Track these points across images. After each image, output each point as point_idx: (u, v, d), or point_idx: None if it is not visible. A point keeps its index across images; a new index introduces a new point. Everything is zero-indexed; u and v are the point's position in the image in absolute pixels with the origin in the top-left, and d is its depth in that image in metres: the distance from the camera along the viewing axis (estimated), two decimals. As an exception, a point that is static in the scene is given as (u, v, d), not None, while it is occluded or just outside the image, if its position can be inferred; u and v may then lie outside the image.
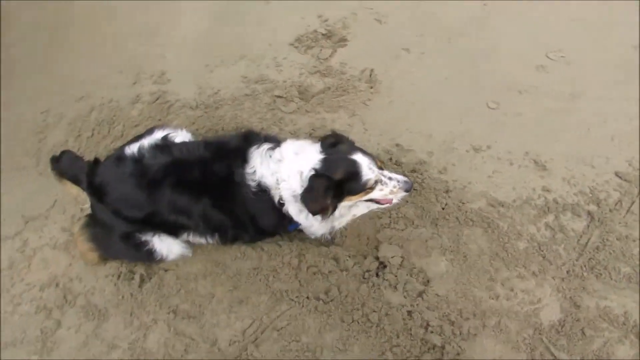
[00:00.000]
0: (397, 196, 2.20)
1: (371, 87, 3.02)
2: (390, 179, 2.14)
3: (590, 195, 2.45)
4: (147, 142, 2.23)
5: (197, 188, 2.12)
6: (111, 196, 2.17)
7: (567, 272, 2.21)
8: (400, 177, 2.17)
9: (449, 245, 2.31)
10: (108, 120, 3.13)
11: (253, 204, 2.13)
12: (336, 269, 2.28)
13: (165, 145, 2.21)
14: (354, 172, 2.04)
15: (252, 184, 2.09)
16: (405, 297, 2.17)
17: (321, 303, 2.20)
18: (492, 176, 2.56)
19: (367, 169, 2.06)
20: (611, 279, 2.17)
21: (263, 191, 2.10)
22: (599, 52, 3.17)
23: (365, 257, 2.30)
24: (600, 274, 2.19)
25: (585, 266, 2.22)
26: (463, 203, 2.45)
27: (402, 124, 2.83)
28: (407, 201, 2.46)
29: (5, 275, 2.53)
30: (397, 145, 2.71)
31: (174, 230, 2.27)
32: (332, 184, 2.01)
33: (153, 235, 2.24)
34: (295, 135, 2.82)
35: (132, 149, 2.21)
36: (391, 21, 3.50)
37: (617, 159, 2.60)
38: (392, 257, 2.24)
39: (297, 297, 2.24)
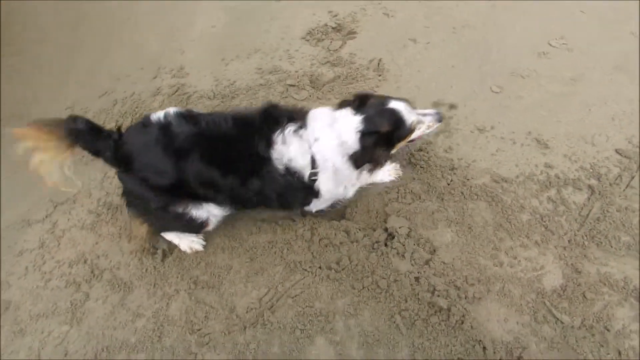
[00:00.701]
0: (433, 128, 2.29)
1: (379, 75, 3.16)
2: (424, 115, 2.23)
3: (591, 170, 2.54)
4: (172, 110, 2.17)
5: (224, 164, 2.09)
6: (138, 164, 2.08)
7: (569, 241, 2.31)
8: (431, 111, 2.26)
9: (454, 217, 2.42)
10: (131, 112, 3.31)
11: (282, 184, 2.12)
12: (347, 241, 2.40)
13: (191, 115, 2.13)
14: (399, 119, 2.11)
15: (280, 167, 2.07)
16: (412, 264, 2.29)
17: (333, 272, 2.32)
18: (496, 154, 2.67)
19: (408, 113, 2.13)
20: (611, 246, 2.26)
21: (292, 173, 2.09)
22: (599, 39, 3.28)
23: (374, 230, 2.42)
24: (601, 243, 2.28)
25: (586, 236, 2.31)
26: (468, 179, 2.56)
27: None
28: (414, 178, 2.58)
29: (37, 254, 2.70)
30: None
31: (202, 199, 2.24)
32: (383, 136, 2.07)
33: (187, 205, 2.20)
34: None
35: (158, 115, 2.12)
36: (399, 15, 3.65)
37: (617, 138, 2.69)
38: (399, 228, 2.35)
39: (310, 267, 2.36)
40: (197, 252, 2.52)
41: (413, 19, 3.58)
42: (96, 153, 2.11)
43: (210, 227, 2.36)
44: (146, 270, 2.52)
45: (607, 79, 3.02)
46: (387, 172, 2.58)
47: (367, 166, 2.18)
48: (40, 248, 2.73)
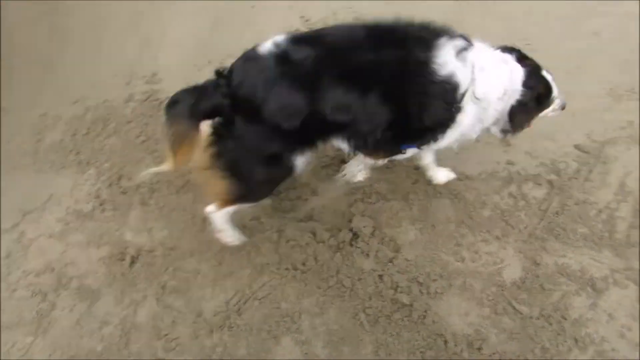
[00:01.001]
0: (556, 113, 2.20)
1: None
2: (556, 97, 2.14)
3: (551, 166, 2.60)
4: (279, 37, 1.84)
5: (366, 79, 1.80)
6: (266, 108, 1.77)
7: (529, 235, 2.36)
8: (560, 96, 2.15)
9: (418, 215, 2.47)
10: (102, 119, 3.31)
11: (431, 91, 1.85)
12: (313, 241, 2.43)
13: (308, 35, 1.89)
14: (550, 87, 2.09)
15: (443, 73, 1.81)
16: (376, 263, 2.32)
17: (299, 272, 2.35)
18: (460, 153, 2.70)
19: (555, 85, 2.10)
20: (569, 238, 2.32)
21: (448, 83, 1.83)
22: (562, 40, 3.36)
23: (340, 230, 2.45)
24: (559, 235, 2.34)
25: (545, 229, 2.37)
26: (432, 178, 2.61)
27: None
28: (379, 178, 2.62)
29: (3, 265, 2.68)
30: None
31: (329, 135, 1.98)
32: (537, 97, 2.04)
33: (298, 152, 1.97)
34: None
35: (266, 46, 1.82)
36: (369, 18, 3.70)
37: (577, 133, 2.75)
38: (364, 227, 2.39)
39: (277, 268, 2.39)
40: (165, 257, 2.52)
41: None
42: (216, 112, 1.84)
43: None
44: (114, 277, 2.52)
45: (568, 78, 3.09)
46: (360, 173, 2.60)
47: (504, 124, 2.06)
48: (7, 258, 2.71)
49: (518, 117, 2.03)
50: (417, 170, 2.64)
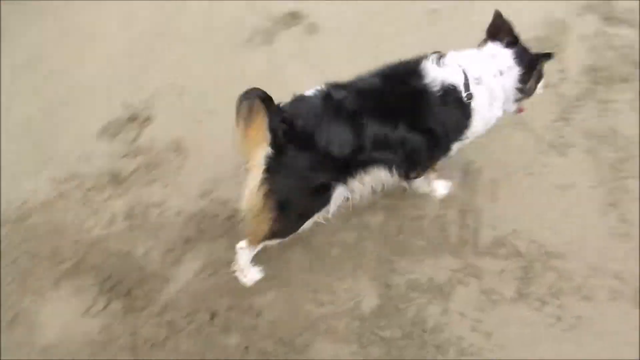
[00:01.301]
0: (540, 90, 2.43)
1: (180, 155, 3.17)
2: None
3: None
4: (318, 86, 2.11)
5: (392, 114, 2.09)
6: (320, 136, 1.98)
7: (377, 261, 2.50)
8: None
9: (272, 273, 2.46)
10: None
11: (443, 108, 2.15)
12: (172, 333, 2.28)
13: (338, 84, 2.12)
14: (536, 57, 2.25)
15: (436, 89, 2.11)
16: (240, 335, 2.25)
17: (162, 373, 2.16)
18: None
19: None
20: (412, 254, 2.50)
21: (450, 91, 2.13)
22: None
23: (197, 312, 2.34)
24: (404, 253, 2.51)
25: (390, 251, 2.52)
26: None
27: (219, 179, 2.97)
28: (228, 246, 2.57)
29: None
30: (212, 200, 2.85)
31: (372, 165, 2.18)
32: (533, 62, 2.23)
33: (341, 182, 2.16)
34: (113, 219, 2.83)
35: (310, 91, 2.09)
36: (193, 91, 3.73)
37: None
38: (220, 302, 2.31)
39: (137, 376, 2.17)
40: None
41: (206, 93, 3.69)
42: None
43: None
44: None
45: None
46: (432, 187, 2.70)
47: (517, 95, 2.29)
48: None
49: (530, 81, 2.27)
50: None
